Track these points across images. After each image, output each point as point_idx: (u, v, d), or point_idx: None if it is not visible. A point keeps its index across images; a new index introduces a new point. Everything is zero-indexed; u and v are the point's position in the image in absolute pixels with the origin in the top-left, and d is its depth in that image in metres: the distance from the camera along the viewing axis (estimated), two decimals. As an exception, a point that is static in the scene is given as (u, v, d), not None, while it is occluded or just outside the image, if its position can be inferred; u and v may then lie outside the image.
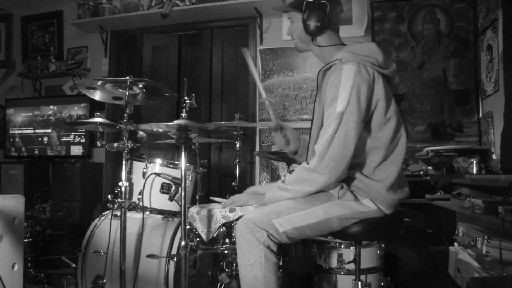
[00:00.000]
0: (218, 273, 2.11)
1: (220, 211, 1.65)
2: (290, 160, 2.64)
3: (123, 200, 1.82)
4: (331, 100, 1.43)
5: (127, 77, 1.77)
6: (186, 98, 1.77)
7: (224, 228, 1.65)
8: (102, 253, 2.08)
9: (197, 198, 2.40)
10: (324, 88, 1.53)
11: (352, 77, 1.42)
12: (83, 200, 3.73)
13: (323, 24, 1.57)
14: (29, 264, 2.73)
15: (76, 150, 3.99)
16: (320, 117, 1.56)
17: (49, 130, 4.10)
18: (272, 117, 1.79)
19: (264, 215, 1.43)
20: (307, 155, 1.67)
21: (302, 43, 1.65)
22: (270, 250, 1.42)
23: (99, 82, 1.84)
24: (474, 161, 2.31)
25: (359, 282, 1.72)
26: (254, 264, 1.40)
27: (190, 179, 2.33)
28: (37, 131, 4.14)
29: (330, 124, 1.41)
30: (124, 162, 1.83)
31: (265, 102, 1.83)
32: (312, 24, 1.57)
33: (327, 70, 1.56)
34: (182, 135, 1.66)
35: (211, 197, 1.89)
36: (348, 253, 1.97)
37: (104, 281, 2.03)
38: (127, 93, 1.85)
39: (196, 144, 2.44)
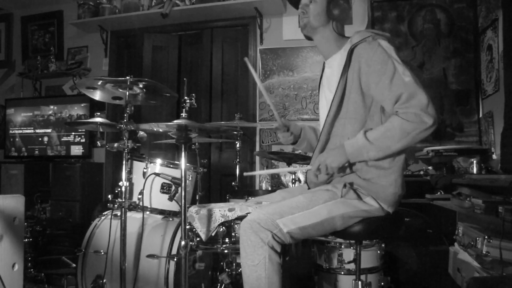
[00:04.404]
0: (218, 273, 2.11)
1: (219, 210, 1.65)
2: (290, 160, 2.64)
3: (123, 200, 1.82)
4: (392, 74, 1.42)
5: (127, 77, 1.77)
6: (186, 98, 1.77)
7: (224, 227, 1.65)
8: (102, 253, 2.08)
9: (197, 198, 2.40)
10: (355, 65, 1.50)
11: (394, 50, 1.47)
12: (83, 200, 3.73)
13: (346, 10, 1.62)
14: (29, 264, 2.73)
15: (76, 150, 3.99)
16: (341, 92, 1.54)
17: (49, 130, 4.11)
18: (277, 117, 1.76)
19: (268, 215, 1.43)
20: (319, 137, 1.64)
21: (317, 22, 1.62)
22: (274, 251, 1.42)
23: (99, 82, 1.84)
24: (474, 161, 2.32)
25: (359, 282, 1.71)
26: (258, 265, 1.40)
27: (190, 179, 2.33)
28: (37, 131, 4.15)
29: (409, 90, 1.40)
30: (124, 162, 1.83)
31: (270, 105, 1.78)
32: (338, 7, 1.60)
33: (355, 48, 1.52)
34: (182, 135, 1.66)
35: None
36: (348, 253, 1.97)
37: (104, 281, 2.03)
38: (127, 93, 1.85)
39: (196, 144, 2.44)
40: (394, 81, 1.42)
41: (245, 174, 1.73)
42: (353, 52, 1.52)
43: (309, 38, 1.71)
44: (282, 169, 1.55)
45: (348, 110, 1.53)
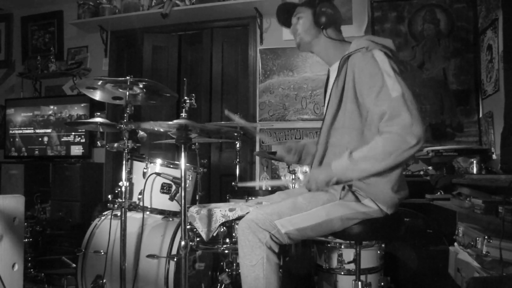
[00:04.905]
0: (218, 273, 2.11)
1: (220, 210, 1.65)
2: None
3: (123, 200, 1.82)
4: (380, 89, 1.40)
5: (127, 77, 1.77)
6: (186, 98, 1.77)
7: (224, 227, 1.65)
8: (102, 253, 2.08)
9: (197, 198, 2.40)
10: (350, 74, 1.50)
11: (388, 62, 1.44)
12: (83, 200, 3.73)
13: (334, 15, 1.62)
14: (29, 264, 2.73)
15: (76, 150, 3.99)
16: (336, 101, 1.54)
17: (49, 130, 4.11)
18: (274, 146, 1.75)
19: (267, 215, 1.43)
20: (318, 141, 1.64)
21: (309, 36, 1.65)
22: (272, 251, 1.42)
23: (99, 82, 1.84)
24: (474, 161, 2.32)
25: (359, 282, 1.71)
26: (256, 265, 1.40)
27: (190, 179, 2.33)
28: (37, 131, 4.14)
29: (393, 108, 1.37)
30: (124, 162, 1.83)
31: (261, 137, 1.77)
32: (324, 14, 1.60)
33: (349, 57, 1.53)
34: (182, 135, 1.66)
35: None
36: (348, 253, 1.97)
37: (104, 281, 2.03)
38: (127, 93, 1.85)
39: (196, 144, 2.44)
40: (380, 95, 1.40)
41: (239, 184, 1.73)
42: (349, 61, 1.52)
43: (311, 52, 1.74)
44: (277, 182, 1.58)
45: (345, 120, 1.53)
